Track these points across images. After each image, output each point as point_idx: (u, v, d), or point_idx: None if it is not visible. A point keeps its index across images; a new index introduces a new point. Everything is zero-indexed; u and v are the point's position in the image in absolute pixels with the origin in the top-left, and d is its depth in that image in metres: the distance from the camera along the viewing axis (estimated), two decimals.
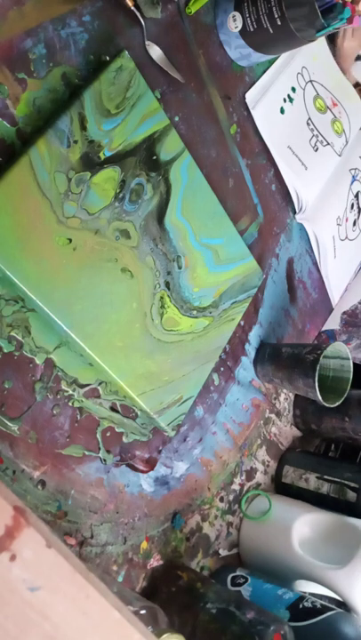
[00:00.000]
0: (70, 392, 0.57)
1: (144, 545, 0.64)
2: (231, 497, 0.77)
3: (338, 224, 0.91)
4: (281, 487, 0.83)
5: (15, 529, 0.23)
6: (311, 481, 0.80)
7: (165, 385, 0.62)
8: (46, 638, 0.24)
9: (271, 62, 0.79)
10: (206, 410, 0.72)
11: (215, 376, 0.74)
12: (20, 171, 0.50)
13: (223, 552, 0.75)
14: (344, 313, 0.94)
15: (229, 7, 0.69)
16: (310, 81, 0.85)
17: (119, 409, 0.61)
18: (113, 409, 0.61)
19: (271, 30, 0.67)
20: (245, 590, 0.68)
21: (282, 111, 0.80)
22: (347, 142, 0.91)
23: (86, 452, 0.58)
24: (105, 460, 0.60)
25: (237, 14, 0.68)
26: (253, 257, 0.74)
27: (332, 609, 0.63)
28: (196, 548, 0.71)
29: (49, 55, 0.54)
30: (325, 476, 0.79)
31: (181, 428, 0.69)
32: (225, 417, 0.75)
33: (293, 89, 0.82)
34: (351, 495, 0.76)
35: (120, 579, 0.62)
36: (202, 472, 0.72)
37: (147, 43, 0.62)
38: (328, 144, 0.88)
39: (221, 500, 0.75)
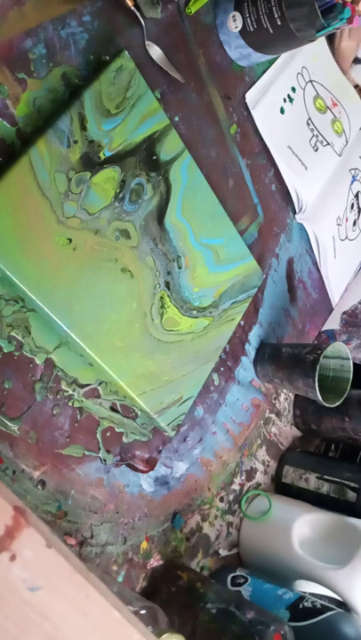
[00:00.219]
0: (70, 392, 0.57)
1: (144, 545, 0.64)
2: (231, 497, 0.77)
3: (338, 224, 0.91)
4: (281, 487, 0.83)
5: (15, 529, 0.23)
6: (311, 481, 0.80)
7: (165, 385, 0.62)
8: (46, 638, 0.24)
9: (271, 62, 0.79)
10: (206, 410, 0.72)
11: (215, 376, 0.74)
12: (20, 171, 0.50)
13: (223, 552, 0.75)
14: (344, 313, 0.94)
15: (229, 7, 0.69)
16: (310, 81, 0.85)
17: (119, 409, 0.61)
18: (113, 409, 0.61)
19: (271, 30, 0.67)
20: (245, 590, 0.68)
21: (282, 111, 0.80)
22: (347, 142, 0.91)
23: (86, 452, 0.58)
24: (105, 460, 0.60)
25: (237, 14, 0.68)
26: (253, 257, 0.74)
27: (332, 609, 0.63)
28: (196, 548, 0.71)
29: (49, 55, 0.54)
30: (325, 476, 0.79)
31: (181, 428, 0.69)
32: (225, 417, 0.75)
33: (293, 89, 0.82)
34: (351, 495, 0.76)
35: (120, 579, 0.62)
36: (202, 472, 0.72)
37: (147, 43, 0.62)
38: (328, 144, 0.88)
39: (221, 500, 0.75)
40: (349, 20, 0.66)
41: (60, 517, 0.56)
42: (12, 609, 0.24)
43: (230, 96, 0.74)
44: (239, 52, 0.72)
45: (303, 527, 0.74)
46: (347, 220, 0.92)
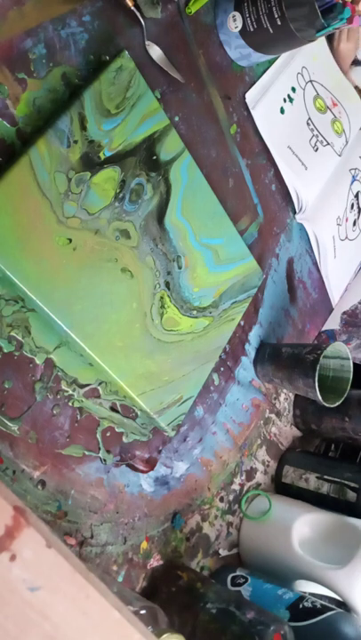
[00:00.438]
0: (70, 392, 0.57)
1: (144, 545, 0.64)
2: (231, 497, 0.77)
3: (338, 224, 0.91)
4: (281, 487, 0.83)
5: (15, 529, 0.23)
6: (311, 481, 0.80)
7: (165, 385, 0.62)
8: (46, 638, 0.24)
9: (271, 62, 0.79)
10: (206, 410, 0.72)
11: (215, 376, 0.74)
12: (20, 171, 0.50)
13: (223, 552, 0.75)
14: (344, 313, 0.94)
15: (229, 7, 0.69)
16: (310, 81, 0.85)
17: (119, 409, 0.61)
18: (113, 409, 0.61)
19: (271, 30, 0.67)
20: (245, 590, 0.68)
21: (282, 111, 0.80)
22: (347, 142, 0.91)
23: (86, 452, 0.58)
24: (105, 460, 0.60)
25: (237, 14, 0.68)
26: (253, 257, 0.74)
27: (332, 609, 0.63)
28: (196, 548, 0.71)
29: (49, 55, 0.54)
30: (325, 476, 0.79)
31: (181, 428, 0.69)
32: (225, 417, 0.75)
33: (293, 89, 0.82)
34: (351, 495, 0.76)
35: (120, 579, 0.62)
36: (202, 472, 0.72)
37: (147, 43, 0.62)
38: (328, 144, 0.88)
39: (221, 500, 0.75)
40: (349, 20, 0.66)
41: (60, 517, 0.56)
42: (12, 609, 0.24)
43: (230, 96, 0.74)
44: (239, 52, 0.72)
45: (303, 527, 0.74)
46: (347, 220, 0.92)
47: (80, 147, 0.55)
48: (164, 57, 0.64)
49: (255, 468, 0.81)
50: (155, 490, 0.66)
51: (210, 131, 0.71)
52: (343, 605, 0.67)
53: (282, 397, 0.86)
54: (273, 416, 0.84)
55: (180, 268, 0.65)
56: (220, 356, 0.74)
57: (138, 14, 0.60)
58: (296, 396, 0.88)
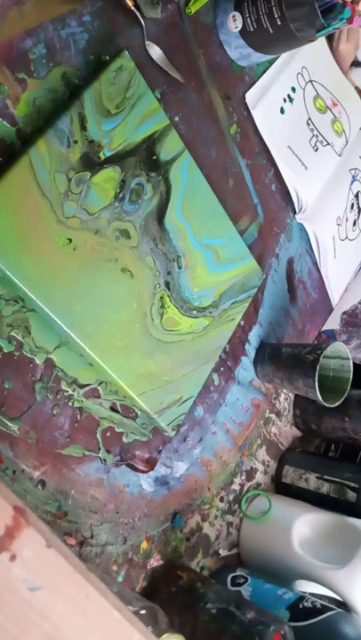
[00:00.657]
0: (70, 392, 0.57)
1: (144, 545, 0.64)
2: (231, 497, 0.77)
3: (338, 224, 0.91)
4: (281, 487, 0.83)
5: (15, 529, 0.23)
6: (311, 481, 0.80)
7: (165, 385, 0.62)
8: (46, 638, 0.24)
9: (271, 62, 0.79)
10: (206, 410, 0.72)
11: (215, 376, 0.74)
12: (20, 171, 0.50)
13: (223, 552, 0.75)
14: (344, 313, 0.94)
15: (229, 7, 0.69)
16: (310, 81, 0.85)
17: (119, 409, 0.61)
18: (113, 409, 0.61)
19: (271, 30, 0.67)
20: (245, 590, 0.68)
21: (282, 111, 0.80)
22: (347, 142, 0.91)
23: (86, 452, 0.58)
24: (105, 460, 0.60)
25: (237, 14, 0.68)
26: (253, 257, 0.74)
27: (332, 609, 0.63)
28: (196, 548, 0.71)
29: (49, 55, 0.54)
30: (325, 476, 0.79)
31: (181, 428, 0.69)
32: (225, 417, 0.75)
33: (293, 89, 0.82)
34: (351, 495, 0.76)
35: (120, 579, 0.62)
36: (202, 472, 0.72)
37: (147, 43, 0.62)
38: (328, 144, 0.88)
39: (221, 500, 0.75)
40: (349, 20, 0.66)
41: (60, 517, 0.56)
42: (12, 609, 0.24)
43: (230, 96, 0.74)
44: (239, 52, 0.72)
45: (303, 527, 0.74)
46: (347, 220, 0.92)
47: (80, 147, 0.55)
48: (164, 57, 0.64)
49: (255, 468, 0.81)
50: (155, 490, 0.66)
51: (210, 131, 0.71)
52: (343, 605, 0.67)
53: (282, 397, 0.86)
54: (273, 416, 0.84)
55: (180, 267, 0.65)
56: (220, 356, 0.74)
57: (138, 14, 0.60)
58: (296, 395, 0.88)
